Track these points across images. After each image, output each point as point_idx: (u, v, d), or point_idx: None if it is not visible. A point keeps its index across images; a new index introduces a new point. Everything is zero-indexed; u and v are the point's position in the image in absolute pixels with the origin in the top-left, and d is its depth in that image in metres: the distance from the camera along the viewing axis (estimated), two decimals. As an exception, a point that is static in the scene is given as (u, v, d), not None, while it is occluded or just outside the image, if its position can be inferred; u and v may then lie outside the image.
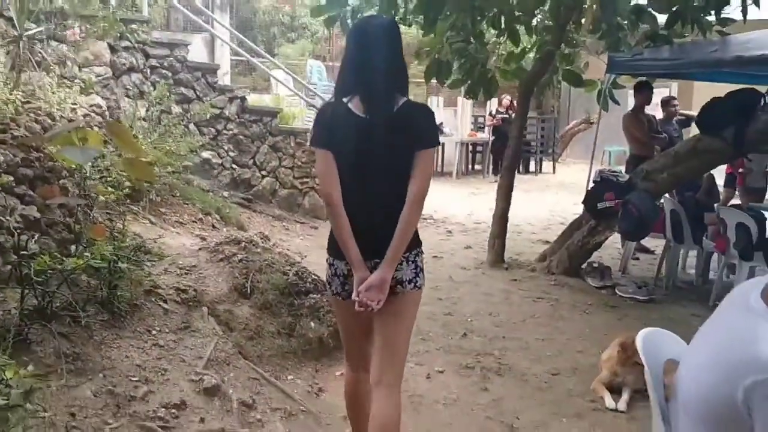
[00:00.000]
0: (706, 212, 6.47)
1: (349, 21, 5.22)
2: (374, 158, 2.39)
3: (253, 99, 11.83)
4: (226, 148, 7.95)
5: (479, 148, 15.59)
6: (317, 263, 6.42)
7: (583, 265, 6.47)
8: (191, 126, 7.59)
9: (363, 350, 2.68)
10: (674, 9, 6.64)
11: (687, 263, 7.11)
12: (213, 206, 6.59)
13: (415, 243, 2.52)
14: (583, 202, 6.28)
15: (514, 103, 14.59)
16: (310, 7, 5.36)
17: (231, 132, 7.96)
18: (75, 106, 5.16)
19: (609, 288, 6.20)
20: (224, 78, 12.09)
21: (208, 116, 7.61)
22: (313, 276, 4.47)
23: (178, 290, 3.81)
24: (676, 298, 6.11)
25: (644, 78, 7.79)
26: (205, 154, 7.76)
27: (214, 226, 6.20)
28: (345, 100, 2.43)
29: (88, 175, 4.50)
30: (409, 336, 2.62)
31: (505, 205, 6.74)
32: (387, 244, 2.39)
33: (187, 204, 6.38)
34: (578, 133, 17.08)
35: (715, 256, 6.54)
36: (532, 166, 16.24)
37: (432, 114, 2.50)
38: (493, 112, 14.50)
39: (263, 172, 8.19)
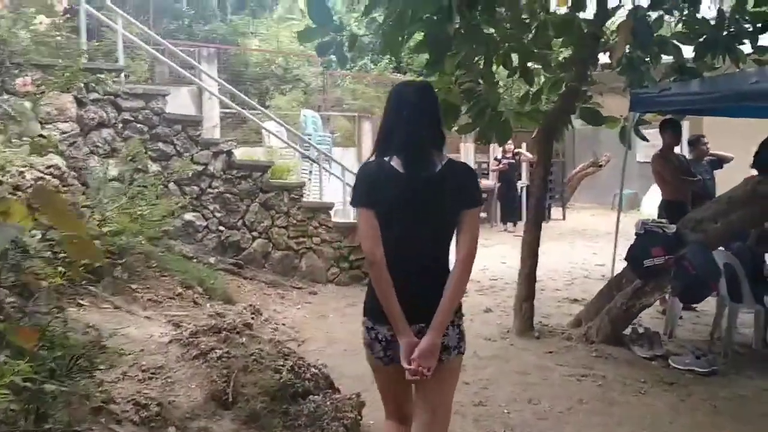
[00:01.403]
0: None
1: (346, 50, 4.41)
2: (418, 217, 2.37)
3: (244, 152, 11.09)
4: (211, 208, 7.10)
5: (485, 196, 14.78)
6: (318, 341, 5.53)
7: (627, 331, 5.58)
8: (171, 185, 6.76)
9: (403, 410, 2.61)
10: (702, 39, 5.98)
11: (738, 321, 6.21)
12: (196, 277, 5.71)
13: (461, 306, 2.47)
14: (626, 259, 5.41)
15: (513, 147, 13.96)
16: (298, 31, 4.52)
17: (217, 190, 7.12)
18: (24, 169, 4.33)
19: (660, 358, 5.30)
20: (214, 131, 11.43)
21: (190, 174, 6.79)
22: (312, 369, 3.58)
23: (138, 405, 2.90)
24: (739, 367, 5.20)
25: (671, 116, 7.10)
26: (188, 216, 6.91)
27: (195, 302, 5.31)
28: (386, 159, 2.42)
29: (32, 253, 3.66)
30: (452, 397, 2.58)
31: (532, 263, 5.88)
32: (430, 306, 2.33)
33: (165, 276, 5.51)
34: (586, 177, 16.36)
35: (774, 314, 5.69)
36: (540, 213, 15.45)
37: (474, 173, 2.53)
38: (499, 157, 13.76)
39: (254, 233, 7.31)
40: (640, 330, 5.56)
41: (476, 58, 5.91)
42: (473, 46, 5.60)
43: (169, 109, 7.10)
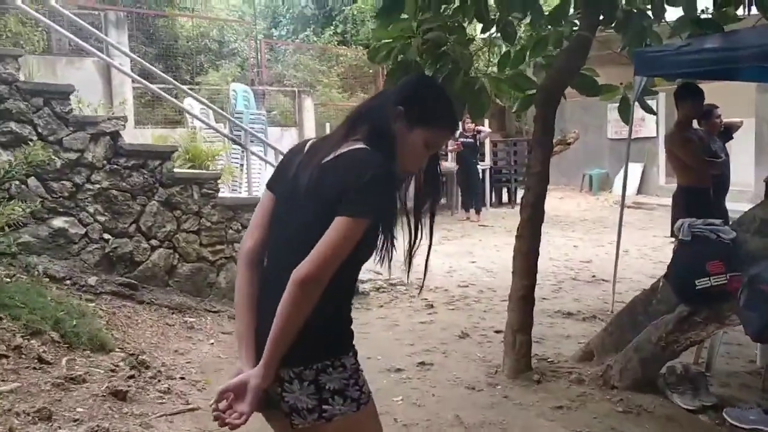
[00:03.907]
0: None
1: None
2: (290, 217, 1.79)
3: (159, 135, 9.36)
4: (91, 210, 5.25)
5: (444, 179, 13.26)
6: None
7: (661, 371, 4.08)
8: (31, 181, 4.94)
9: None
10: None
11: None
12: (50, 316, 3.93)
13: (323, 353, 1.69)
14: (665, 277, 3.87)
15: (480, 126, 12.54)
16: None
17: (98, 186, 5.26)
18: None
19: (710, 409, 3.81)
20: (124, 109, 9.58)
21: (58, 164, 4.96)
22: None
23: None
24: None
25: (687, 80, 5.73)
26: (58, 222, 5.09)
27: (41, 359, 3.55)
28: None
29: None
30: None
31: (529, 283, 4.33)
32: None
33: (0, 318, 3.74)
34: (553, 156, 14.96)
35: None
36: (504, 197, 14.10)
37: (366, 170, 1.66)
38: (456, 135, 12.20)
39: (153, 242, 5.47)
40: (678, 369, 4.05)
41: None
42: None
43: (74, 83, 5.35)
